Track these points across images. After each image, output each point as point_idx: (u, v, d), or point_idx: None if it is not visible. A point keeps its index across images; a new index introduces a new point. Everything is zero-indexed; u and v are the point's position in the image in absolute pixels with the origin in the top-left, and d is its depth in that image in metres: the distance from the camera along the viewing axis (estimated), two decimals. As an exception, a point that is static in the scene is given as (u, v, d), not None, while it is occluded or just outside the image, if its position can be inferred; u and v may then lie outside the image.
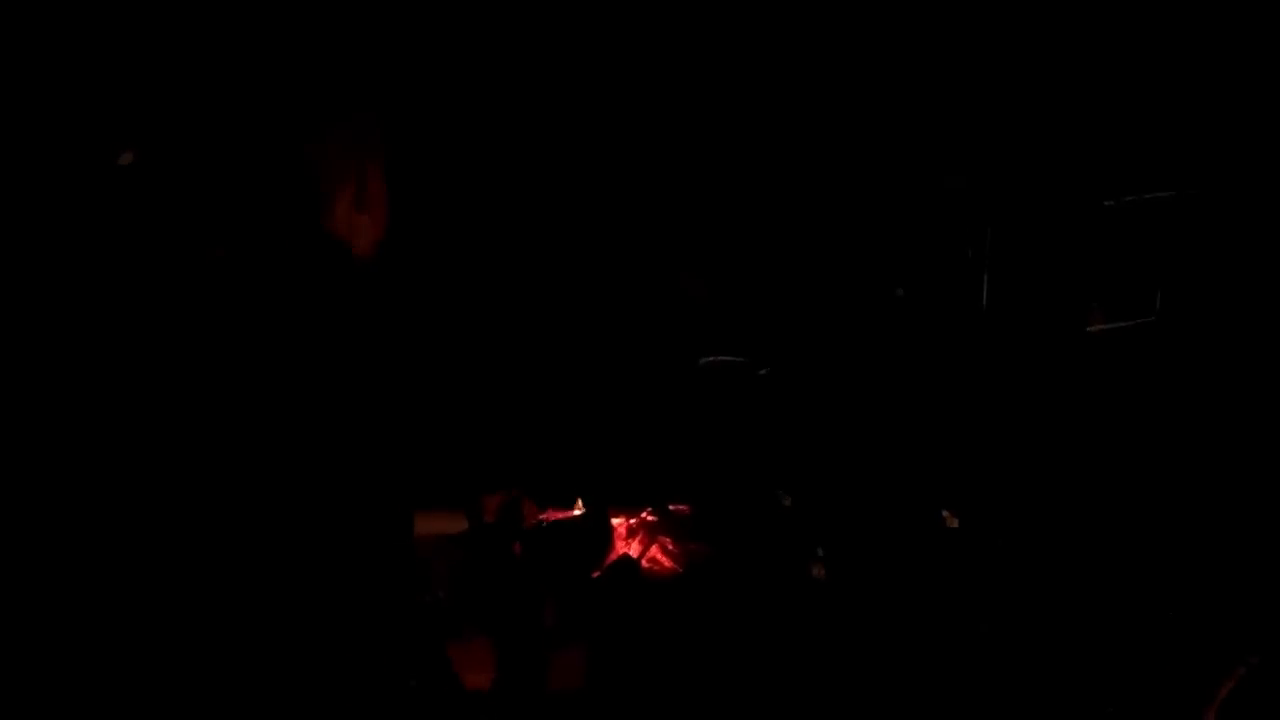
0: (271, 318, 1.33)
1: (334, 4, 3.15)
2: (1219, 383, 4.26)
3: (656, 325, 4.35)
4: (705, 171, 4.65)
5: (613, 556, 2.96)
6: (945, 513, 3.34)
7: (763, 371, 4.15)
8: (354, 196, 1.41)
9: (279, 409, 1.29)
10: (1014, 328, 4.71)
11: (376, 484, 1.29)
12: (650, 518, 3.11)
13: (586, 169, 4.45)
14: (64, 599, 1.42)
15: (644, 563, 2.95)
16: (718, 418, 3.93)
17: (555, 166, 4.36)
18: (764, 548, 3.01)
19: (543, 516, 3.10)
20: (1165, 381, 4.38)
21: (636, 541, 3.01)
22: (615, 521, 3.07)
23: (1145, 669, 2.48)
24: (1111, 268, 4.93)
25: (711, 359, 4.26)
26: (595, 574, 2.89)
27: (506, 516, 2.85)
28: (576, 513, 3.12)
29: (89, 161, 2.14)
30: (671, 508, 3.17)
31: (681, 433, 3.77)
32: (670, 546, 2.99)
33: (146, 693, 1.38)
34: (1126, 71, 4.80)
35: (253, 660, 1.34)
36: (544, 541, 2.97)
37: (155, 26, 2.69)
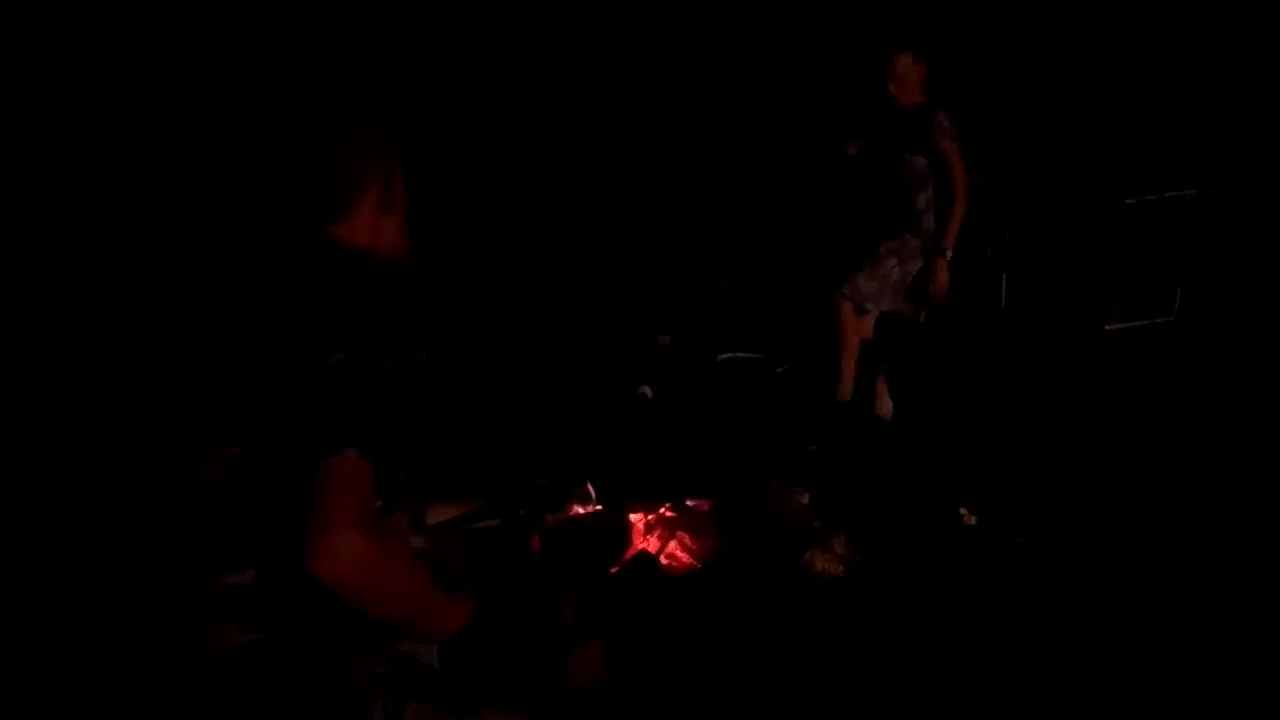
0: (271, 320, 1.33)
1: (357, 15, 3.17)
2: (1239, 382, 4.25)
3: (677, 323, 4.37)
4: (728, 173, 4.67)
5: (631, 552, 2.96)
6: (963, 510, 3.34)
7: (780, 369, 4.17)
8: (380, 197, 1.44)
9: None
10: (1032, 326, 4.70)
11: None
12: (668, 513, 3.11)
13: (612, 175, 4.47)
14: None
15: (662, 558, 2.95)
16: (736, 414, 3.94)
17: (582, 172, 4.39)
18: (782, 543, 3.00)
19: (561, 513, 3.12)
20: (1185, 381, 4.36)
21: (655, 537, 3.01)
22: (634, 517, 3.08)
23: (1162, 667, 2.48)
24: (1131, 266, 4.91)
25: (730, 356, 4.27)
26: (614, 569, 2.90)
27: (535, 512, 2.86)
28: (595, 508, 3.13)
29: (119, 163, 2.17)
30: (690, 503, 3.17)
31: (700, 429, 3.78)
32: (688, 542, 2.99)
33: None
34: (1148, 69, 4.79)
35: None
36: (563, 537, 2.98)
37: (174, 31, 2.72)
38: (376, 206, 1.46)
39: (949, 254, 3.73)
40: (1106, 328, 4.82)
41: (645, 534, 3.03)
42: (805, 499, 3.26)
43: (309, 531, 1.18)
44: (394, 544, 1.28)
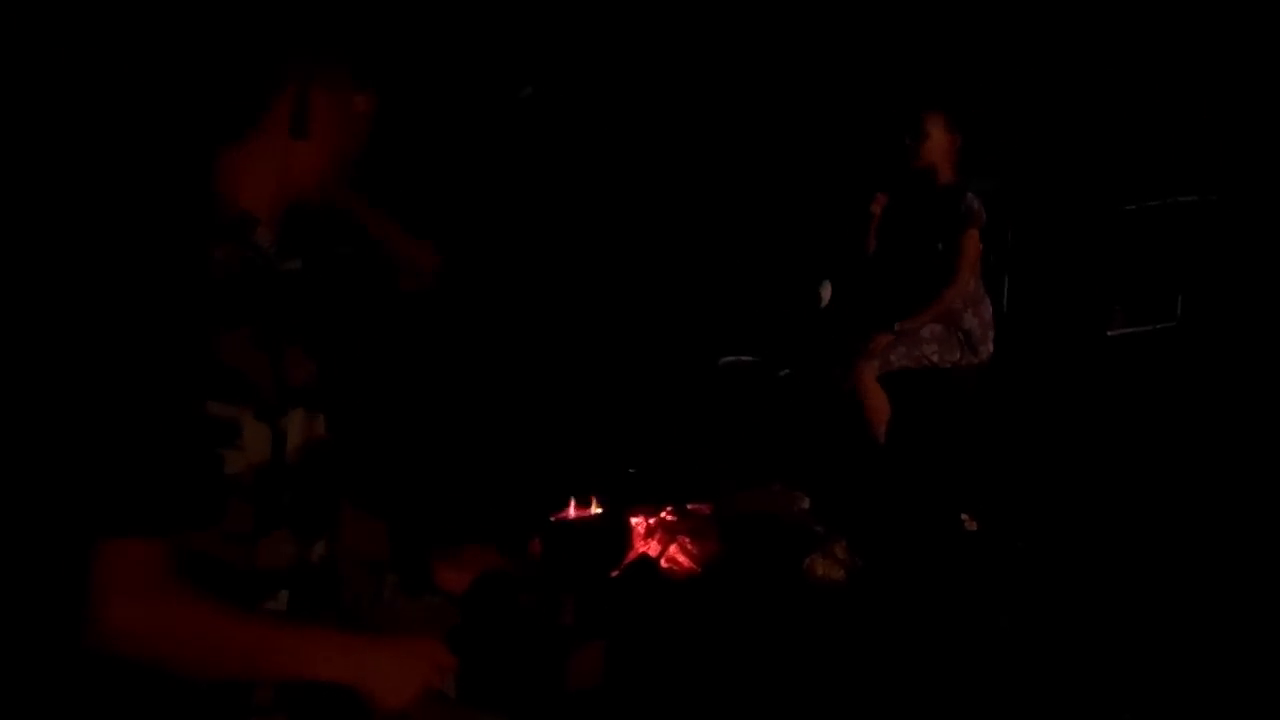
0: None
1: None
2: (1241, 388, 4.24)
3: (677, 325, 4.35)
4: (733, 174, 4.66)
5: (631, 556, 2.96)
6: (964, 515, 3.34)
7: (783, 372, 4.15)
8: (292, 120, 1.23)
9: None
10: (1034, 330, 4.69)
11: None
12: (669, 517, 3.11)
13: (612, 175, 4.46)
14: None
15: (663, 562, 2.95)
16: (737, 418, 3.93)
17: (580, 171, 4.38)
18: (783, 548, 3.00)
19: (562, 515, 3.11)
20: (1186, 387, 4.36)
21: (655, 540, 3.01)
22: (634, 521, 3.07)
23: (1164, 672, 2.47)
24: (1133, 271, 4.91)
25: (732, 359, 4.26)
26: (614, 573, 2.90)
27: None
28: (595, 512, 3.12)
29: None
30: (690, 507, 3.17)
31: (701, 433, 3.77)
32: (689, 545, 2.99)
33: None
34: (1150, 75, 4.79)
35: None
36: (563, 541, 2.98)
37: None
38: (285, 130, 1.28)
39: (896, 328, 3.47)
40: (1108, 333, 4.82)
41: (646, 537, 3.03)
42: (806, 503, 3.26)
43: (82, 607, 1.04)
44: (185, 597, 1.10)
